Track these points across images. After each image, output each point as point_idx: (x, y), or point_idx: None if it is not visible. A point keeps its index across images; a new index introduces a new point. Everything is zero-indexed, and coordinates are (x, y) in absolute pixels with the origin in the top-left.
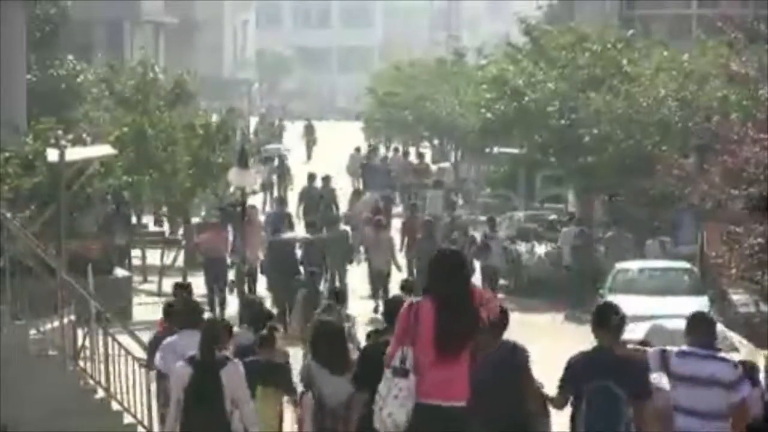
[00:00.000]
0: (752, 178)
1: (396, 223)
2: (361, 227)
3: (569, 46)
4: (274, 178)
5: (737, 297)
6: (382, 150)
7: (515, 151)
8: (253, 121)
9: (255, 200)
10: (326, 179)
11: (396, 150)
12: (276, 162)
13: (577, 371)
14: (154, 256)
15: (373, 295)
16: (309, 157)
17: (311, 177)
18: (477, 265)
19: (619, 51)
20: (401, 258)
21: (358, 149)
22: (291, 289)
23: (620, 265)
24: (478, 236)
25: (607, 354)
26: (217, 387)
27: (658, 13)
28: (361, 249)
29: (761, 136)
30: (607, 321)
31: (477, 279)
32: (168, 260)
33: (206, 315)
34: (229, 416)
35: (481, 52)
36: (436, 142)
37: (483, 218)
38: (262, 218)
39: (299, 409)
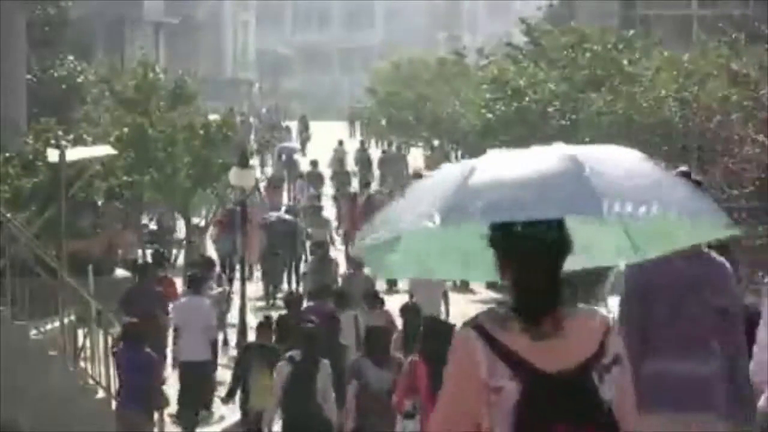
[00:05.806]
0: (752, 178)
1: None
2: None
3: (570, 46)
4: (285, 173)
5: None
6: (373, 146)
7: None
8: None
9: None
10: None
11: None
12: (284, 158)
13: None
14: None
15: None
16: (304, 153)
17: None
18: None
19: (620, 51)
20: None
21: (341, 142)
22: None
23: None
24: None
25: None
26: (313, 384)
27: (658, 14)
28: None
29: (761, 136)
30: None
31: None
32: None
33: None
34: (322, 407)
35: (481, 53)
36: (436, 142)
37: None
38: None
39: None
